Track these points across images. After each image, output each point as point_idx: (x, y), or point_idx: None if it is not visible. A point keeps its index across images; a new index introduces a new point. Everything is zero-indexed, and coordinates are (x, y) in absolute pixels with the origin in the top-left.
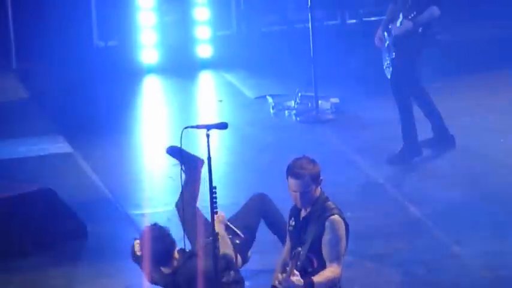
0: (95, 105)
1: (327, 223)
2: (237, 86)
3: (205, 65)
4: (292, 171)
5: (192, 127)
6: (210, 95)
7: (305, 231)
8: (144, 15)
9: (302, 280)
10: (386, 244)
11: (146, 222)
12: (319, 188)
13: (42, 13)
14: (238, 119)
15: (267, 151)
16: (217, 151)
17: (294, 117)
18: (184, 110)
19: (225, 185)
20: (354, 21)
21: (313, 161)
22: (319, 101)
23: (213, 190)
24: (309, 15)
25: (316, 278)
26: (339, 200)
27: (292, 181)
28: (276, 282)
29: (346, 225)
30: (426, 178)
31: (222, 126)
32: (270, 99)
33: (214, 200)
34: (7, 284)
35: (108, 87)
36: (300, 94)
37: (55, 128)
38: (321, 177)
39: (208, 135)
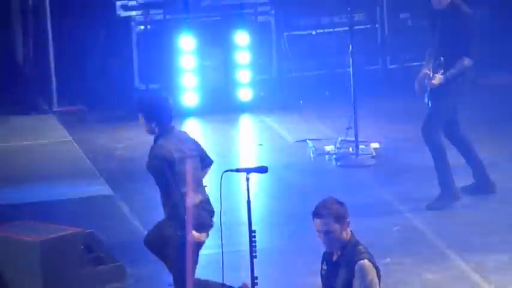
0: (135, 148)
1: (356, 267)
2: (277, 130)
3: (246, 108)
4: (316, 210)
5: (232, 171)
6: (250, 138)
7: (336, 275)
8: (185, 59)
9: None
10: None
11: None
12: (348, 230)
13: (83, 56)
14: (278, 163)
15: (306, 195)
16: (257, 195)
17: (334, 161)
18: (224, 153)
19: (263, 229)
20: (395, 66)
21: (338, 202)
22: (360, 146)
23: (253, 234)
24: (350, 60)
25: None
26: (378, 246)
27: (315, 220)
28: None
29: (377, 269)
30: (466, 224)
31: (262, 170)
32: (310, 144)
33: (253, 244)
34: None
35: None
36: (340, 139)
37: (95, 171)
38: (347, 219)
39: (248, 179)
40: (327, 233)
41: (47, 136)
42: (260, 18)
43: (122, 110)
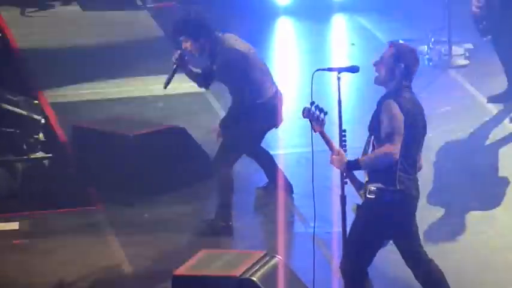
0: None
1: (382, 106)
2: (370, 30)
3: (339, 8)
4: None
5: (324, 69)
6: (343, 38)
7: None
8: None
9: (345, 158)
10: None
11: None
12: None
13: None
14: (370, 63)
15: None
16: (348, 94)
17: (426, 61)
18: (316, 52)
19: (354, 129)
20: None
21: (412, 50)
22: (453, 46)
23: (343, 133)
24: None
25: (363, 157)
26: (470, 146)
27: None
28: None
29: (407, 113)
30: None
31: (354, 69)
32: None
33: (344, 144)
34: (139, 219)
35: (240, 27)
36: (433, 39)
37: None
38: (403, 64)
39: (339, 78)
40: (380, 59)
41: (140, 32)
42: None
43: (216, 7)
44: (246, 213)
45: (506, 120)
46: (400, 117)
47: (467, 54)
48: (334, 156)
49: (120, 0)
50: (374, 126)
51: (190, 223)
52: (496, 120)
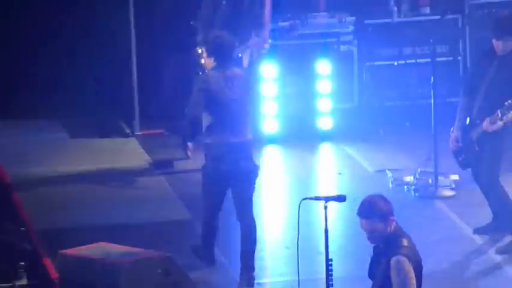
0: None
1: (391, 262)
2: (356, 159)
3: (326, 137)
4: (361, 210)
5: (311, 199)
6: (330, 167)
7: (378, 263)
8: (266, 86)
9: None
10: None
11: None
12: (392, 226)
13: (162, 79)
14: (357, 192)
15: None
16: (335, 223)
17: (412, 192)
18: (303, 181)
19: (341, 258)
20: None
21: (383, 200)
22: (439, 177)
23: (329, 263)
24: (432, 91)
25: None
26: (455, 278)
27: (361, 220)
28: None
29: (416, 263)
30: None
31: (341, 198)
32: (389, 174)
33: (330, 273)
34: None
35: None
36: (419, 170)
37: (174, 195)
38: (391, 217)
39: (326, 207)
40: (371, 232)
41: (128, 159)
42: (342, 47)
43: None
44: None
45: (492, 251)
46: (412, 274)
47: (453, 185)
48: None
49: (107, 128)
50: (382, 281)
51: None
52: (482, 251)
